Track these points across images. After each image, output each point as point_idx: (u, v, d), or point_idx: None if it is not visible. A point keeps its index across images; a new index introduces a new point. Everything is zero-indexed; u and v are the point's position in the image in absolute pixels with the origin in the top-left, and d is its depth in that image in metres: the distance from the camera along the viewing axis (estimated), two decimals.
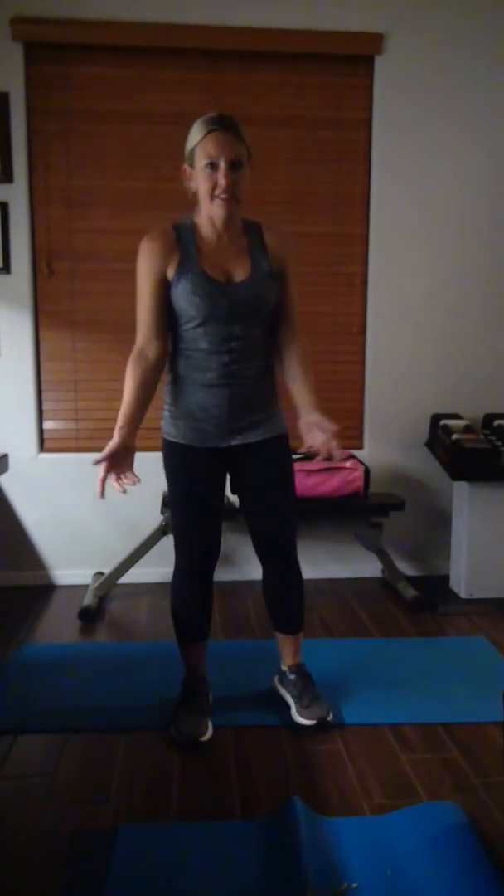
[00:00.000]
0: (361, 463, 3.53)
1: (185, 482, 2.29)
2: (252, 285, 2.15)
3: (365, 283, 3.74)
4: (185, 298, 2.13)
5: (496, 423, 3.57)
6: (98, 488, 2.17)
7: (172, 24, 3.44)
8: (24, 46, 3.43)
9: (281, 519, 2.34)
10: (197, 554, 2.33)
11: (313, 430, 2.16)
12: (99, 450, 3.68)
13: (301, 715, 2.37)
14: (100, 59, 3.50)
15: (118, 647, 3.02)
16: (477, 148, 3.66)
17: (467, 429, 3.49)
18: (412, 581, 3.59)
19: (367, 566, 3.81)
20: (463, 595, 3.47)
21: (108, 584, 3.47)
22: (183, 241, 2.15)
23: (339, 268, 3.73)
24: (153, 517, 3.54)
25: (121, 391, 3.71)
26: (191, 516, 2.31)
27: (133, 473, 2.19)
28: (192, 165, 2.12)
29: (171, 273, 2.14)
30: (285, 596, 2.42)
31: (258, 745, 2.29)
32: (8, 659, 2.87)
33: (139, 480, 2.17)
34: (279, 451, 2.30)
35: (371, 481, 3.56)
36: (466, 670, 2.79)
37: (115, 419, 3.64)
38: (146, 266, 2.16)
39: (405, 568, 3.79)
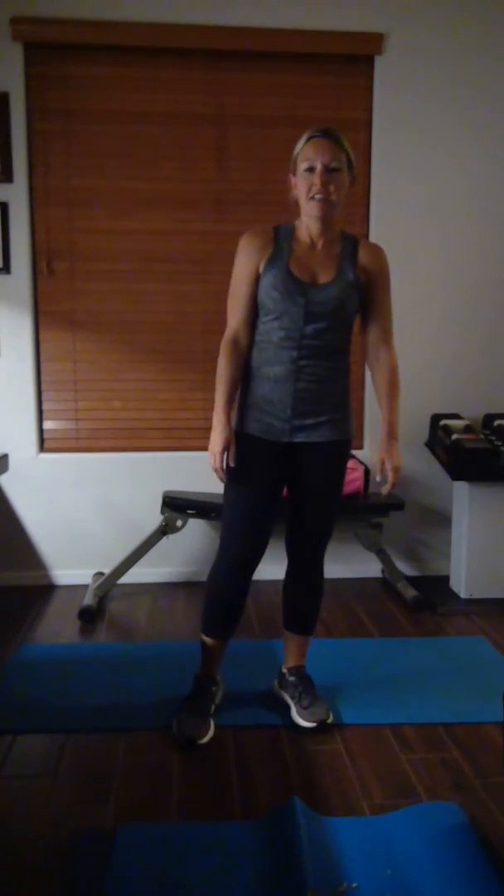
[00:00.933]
0: (361, 463, 3.53)
1: (246, 474, 2.28)
2: (332, 289, 2.22)
3: None
4: (266, 291, 2.21)
5: (496, 423, 3.57)
6: (222, 478, 2.28)
7: (172, 24, 3.44)
8: (24, 46, 3.43)
9: (323, 523, 2.37)
10: (243, 551, 2.33)
11: (380, 463, 2.32)
12: (99, 450, 3.74)
13: (301, 716, 2.38)
14: (100, 59, 3.49)
15: (118, 647, 3.02)
16: (477, 148, 3.66)
17: (467, 429, 3.49)
18: (412, 581, 3.59)
19: (367, 566, 3.81)
20: (463, 595, 3.47)
21: (108, 584, 3.47)
22: (279, 240, 2.24)
23: None
24: (153, 517, 3.54)
25: (121, 391, 3.74)
26: (246, 509, 2.31)
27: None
28: (294, 173, 2.22)
29: (262, 266, 2.22)
30: (306, 598, 2.46)
31: (258, 745, 2.29)
32: (8, 659, 2.87)
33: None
34: (339, 456, 2.35)
35: (371, 481, 3.56)
36: (466, 670, 2.79)
37: (115, 419, 3.70)
38: (243, 257, 2.25)
39: (405, 568, 3.79)
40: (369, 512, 3.52)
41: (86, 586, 3.56)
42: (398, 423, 2.35)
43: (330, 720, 2.37)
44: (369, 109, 3.63)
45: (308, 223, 2.22)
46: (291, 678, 2.48)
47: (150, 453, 3.70)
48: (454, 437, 3.42)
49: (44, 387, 3.68)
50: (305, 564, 2.41)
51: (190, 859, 1.79)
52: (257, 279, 2.23)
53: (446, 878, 1.71)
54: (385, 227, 3.67)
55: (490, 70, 3.62)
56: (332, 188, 2.15)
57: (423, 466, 3.79)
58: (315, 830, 1.86)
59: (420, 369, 3.77)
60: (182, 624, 3.23)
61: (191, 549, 3.64)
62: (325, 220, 2.20)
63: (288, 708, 2.44)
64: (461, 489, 3.49)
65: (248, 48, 3.51)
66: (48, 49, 3.45)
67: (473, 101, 3.63)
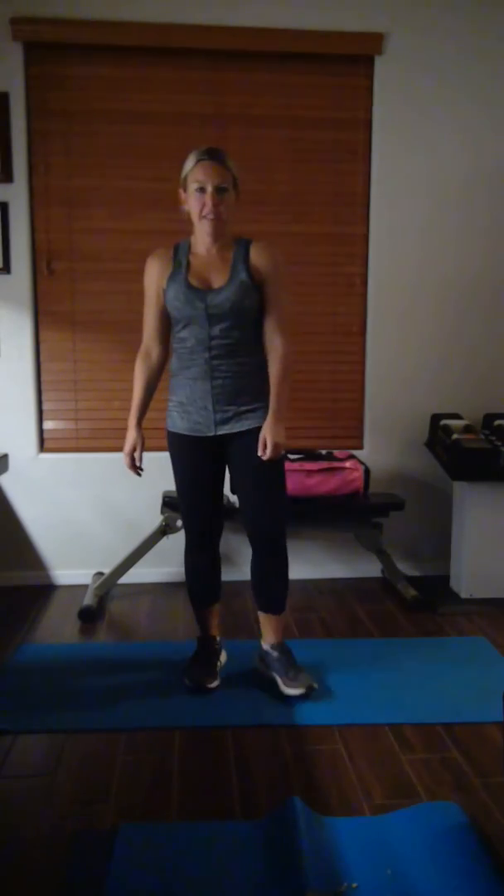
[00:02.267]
0: (361, 463, 3.53)
1: (183, 468, 2.59)
2: (225, 291, 2.42)
3: (365, 283, 3.74)
4: (170, 304, 2.46)
5: (496, 423, 3.57)
6: (137, 474, 2.62)
7: (172, 24, 3.44)
8: (24, 46, 3.43)
9: (269, 505, 2.55)
10: (199, 530, 2.64)
11: (262, 439, 2.45)
12: (99, 450, 3.74)
13: (289, 686, 2.55)
14: (99, 59, 3.50)
15: (118, 647, 3.02)
16: (477, 148, 3.66)
17: (467, 429, 3.49)
18: (412, 581, 3.59)
19: (367, 566, 3.81)
20: (463, 595, 3.47)
21: (108, 584, 3.47)
22: (178, 257, 2.49)
23: (339, 268, 3.73)
24: (153, 517, 3.54)
25: (121, 391, 3.74)
26: (190, 498, 2.60)
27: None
28: (185, 190, 2.44)
29: (165, 283, 2.48)
30: (270, 579, 2.62)
31: (258, 745, 2.29)
32: (8, 659, 2.87)
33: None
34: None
35: (371, 481, 3.56)
36: (466, 670, 2.79)
37: (114, 419, 3.71)
38: (148, 279, 2.52)
39: (405, 568, 3.79)
40: (369, 512, 3.52)
41: (86, 586, 3.56)
42: (285, 407, 2.48)
43: (316, 686, 2.54)
44: (369, 109, 3.63)
45: (201, 236, 2.46)
46: (274, 653, 2.64)
47: (150, 453, 3.68)
48: (454, 437, 3.42)
49: (44, 387, 3.68)
50: (264, 547, 2.59)
51: (190, 859, 1.79)
52: (163, 296, 2.48)
53: (446, 878, 1.71)
54: (385, 227, 3.68)
55: (489, 71, 3.62)
56: (221, 208, 2.39)
57: (423, 466, 3.79)
58: (315, 830, 1.86)
59: (420, 369, 3.78)
60: (182, 624, 3.23)
61: None
62: (216, 235, 2.43)
63: (274, 683, 2.60)
64: (461, 489, 3.49)
65: (248, 48, 3.51)
66: (48, 49, 3.46)
67: (473, 101, 3.63)
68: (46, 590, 3.64)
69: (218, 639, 2.76)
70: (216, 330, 2.42)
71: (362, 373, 3.81)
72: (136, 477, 2.64)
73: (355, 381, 3.82)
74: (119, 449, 3.67)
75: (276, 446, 2.42)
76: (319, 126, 3.63)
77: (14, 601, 3.48)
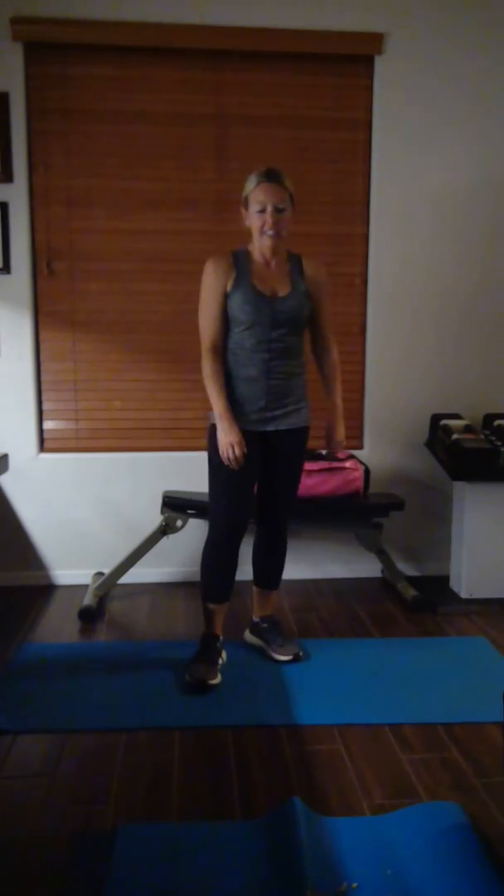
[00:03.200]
0: (361, 463, 3.53)
1: (227, 465, 2.66)
2: (290, 300, 2.64)
3: (365, 283, 3.74)
4: (238, 306, 2.61)
5: (496, 423, 3.57)
6: (236, 467, 2.64)
7: (172, 24, 3.44)
8: (24, 46, 3.43)
9: (291, 497, 2.85)
10: (231, 526, 2.74)
11: (328, 438, 2.86)
12: (99, 450, 3.74)
13: (277, 653, 2.84)
14: (100, 59, 3.49)
15: (118, 647, 3.02)
16: (477, 148, 3.66)
17: (467, 429, 3.49)
18: (412, 581, 3.59)
19: (367, 566, 3.81)
20: (463, 595, 3.47)
21: (108, 584, 3.47)
22: (239, 264, 2.65)
23: (339, 268, 3.73)
24: (153, 517, 3.54)
25: (121, 391, 3.75)
26: (230, 493, 2.70)
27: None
28: (246, 208, 2.64)
29: (229, 286, 2.62)
30: (273, 558, 2.93)
31: (258, 745, 2.30)
32: (8, 659, 2.87)
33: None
34: (302, 441, 2.80)
35: (371, 481, 3.56)
36: (466, 670, 2.79)
37: (114, 419, 3.72)
38: (211, 281, 2.64)
39: (405, 568, 3.79)
40: (369, 512, 3.52)
41: (86, 586, 3.56)
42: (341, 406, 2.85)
43: (301, 655, 2.84)
44: (369, 109, 3.63)
45: (262, 250, 2.64)
46: (265, 625, 2.94)
47: (150, 453, 3.71)
48: (454, 437, 3.42)
49: (44, 387, 3.68)
50: (274, 533, 2.89)
51: (190, 859, 1.79)
52: (225, 298, 2.62)
53: (446, 878, 1.71)
54: (385, 227, 3.68)
55: (489, 70, 3.62)
56: (281, 226, 2.59)
57: (423, 466, 3.79)
58: (315, 830, 1.86)
59: (420, 369, 3.78)
60: (182, 624, 3.23)
61: (191, 549, 3.64)
62: (275, 250, 2.63)
63: (262, 650, 2.89)
64: (461, 489, 3.49)
65: (248, 48, 3.51)
66: (48, 49, 3.45)
67: (473, 101, 3.63)
68: (46, 590, 3.64)
69: (221, 638, 2.79)
70: (275, 333, 2.62)
71: (362, 373, 3.81)
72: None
73: (355, 381, 3.82)
74: (119, 449, 3.71)
75: (342, 444, 2.84)
76: (319, 126, 3.63)
77: (14, 601, 3.48)
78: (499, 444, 3.40)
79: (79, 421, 3.71)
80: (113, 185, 3.58)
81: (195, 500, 3.38)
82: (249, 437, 2.65)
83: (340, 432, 2.83)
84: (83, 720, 2.43)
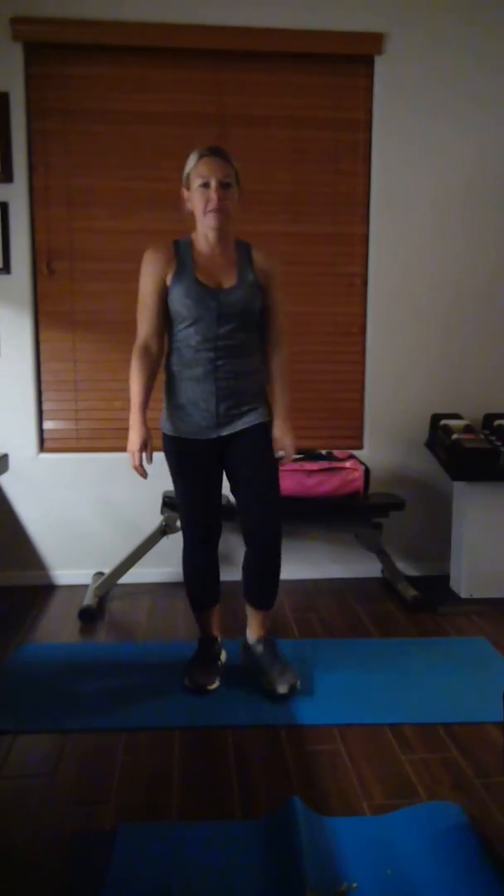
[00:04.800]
0: (361, 463, 3.53)
1: (183, 471, 2.55)
2: (237, 291, 2.44)
3: (365, 283, 3.74)
4: (179, 301, 2.42)
5: (496, 423, 3.57)
6: (143, 475, 2.51)
7: (172, 24, 3.44)
8: (24, 46, 3.43)
9: (268, 502, 2.56)
10: (199, 533, 2.61)
11: (277, 441, 2.56)
12: (99, 450, 3.74)
13: (272, 686, 2.54)
14: (100, 59, 3.50)
15: (118, 647, 3.02)
16: (477, 148, 3.66)
17: (467, 429, 3.49)
18: (412, 581, 3.59)
19: (367, 566, 3.81)
20: (463, 595, 3.47)
21: (108, 584, 3.47)
22: (180, 254, 2.46)
23: (339, 268, 3.73)
24: (153, 517, 3.54)
25: (121, 391, 3.74)
26: (190, 501, 2.57)
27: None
28: (188, 188, 2.45)
29: (169, 279, 2.44)
30: (265, 576, 2.62)
31: (258, 745, 2.29)
32: (8, 659, 2.87)
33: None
34: (263, 438, 2.54)
35: (371, 481, 3.56)
36: (466, 670, 2.79)
37: (114, 419, 3.71)
38: (149, 272, 2.46)
39: (405, 568, 3.79)
40: (369, 512, 3.52)
41: (86, 586, 3.56)
42: (290, 407, 2.60)
43: (298, 686, 2.56)
44: (369, 109, 3.63)
45: (206, 234, 2.45)
46: (259, 647, 2.67)
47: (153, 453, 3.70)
48: (454, 437, 3.42)
49: (44, 387, 3.68)
50: (261, 544, 2.58)
51: (190, 859, 1.79)
52: (165, 291, 2.44)
53: (446, 878, 1.71)
54: (385, 227, 3.68)
55: (489, 71, 3.62)
56: (227, 202, 2.40)
57: (423, 466, 3.79)
58: (315, 830, 1.86)
59: (420, 369, 3.78)
60: (182, 624, 3.23)
61: None
62: (222, 230, 2.43)
63: (258, 677, 2.61)
64: (461, 489, 3.49)
65: (248, 48, 3.51)
66: (48, 49, 3.46)
67: (473, 101, 3.63)
68: (46, 590, 3.64)
69: (218, 639, 2.77)
70: (223, 330, 2.42)
71: (362, 373, 3.81)
72: (138, 477, 2.56)
73: (355, 381, 3.82)
74: (120, 449, 3.70)
75: (292, 445, 2.55)
76: (319, 126, 3.63)
77: (14, 601, 3.48)
78: (499, 444, 3.40)
79: (79, 421, 3.71)
80: (113, 185, 3.58)
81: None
82: (200, 446, 2.49)
83: (285, 434, 2.54)
84: (83, 720, 2.43)
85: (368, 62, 3.59)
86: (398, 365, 3.77)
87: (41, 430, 3.70)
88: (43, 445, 3.71)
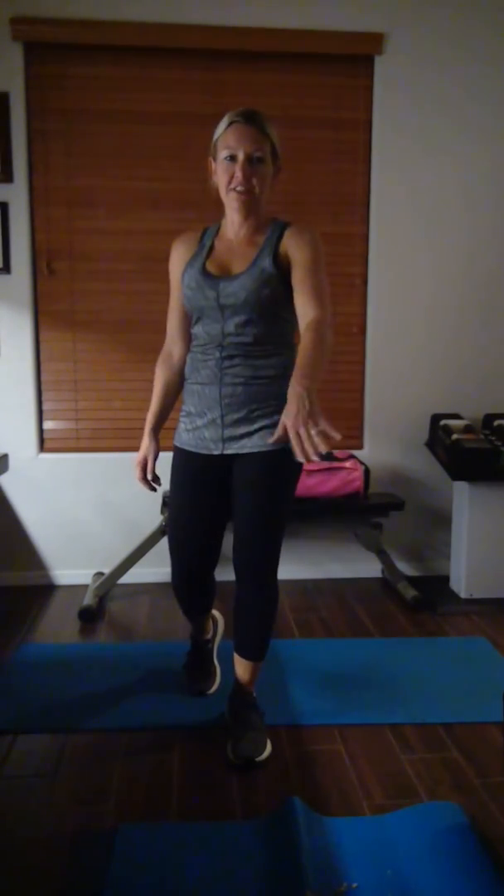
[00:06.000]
0: (361, 463, 3.53)
1: (180, 490, 2.21)
2: (242, 279, 2.04)
3: (365, 283, 3.74)
4: (183, 291, 2.14)
5: (496, 423, 3.57)
6: (149, 489, 2.31)
7: (172, 24, 3.44)
8: (24, 46, 3.43)
9: (264, 539, 2.12)
10: (185, 568, 2.27)
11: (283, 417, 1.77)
12: (99, 450, 3.74)
13: (229, 751, 2.17)
14: (100, 59, 3.49)
15: (118, 647, 3.02)
16: (477, 148, 3.66)
17: (467, 429, 3.49)
18: (412, 581, 3.59)
19: (367, 566, 3.81)
20: (463, 595, 3.47)
21: (108, 584, 3.47)
22: (203, 241, 2.16)
23: (339, 268, 3.73)
24: (153, 517, 3.54)
25: (121, 391, 3.75)
26: (179, 526, 2.24)
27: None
28: (214, 159, 2.09)
29: (184, 269, 2.15)
30: (251, 617, 2.20)
31: None
32: (8, 659, 2.87)
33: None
34: (277, 467, 2.08)
35: (371, 481, 3.56)
36: (466, 670, 2.79)
37: (115, 419, 3.71)
38: (171, 265, 2.20)
39: (405, 568, 3.79)
40: (369, 512, 3.52)
41: (86, 586, 3.56)
42: (318, 371, 1.80)
43: (260, 758, 2.13)
44: (369, 109, 3.63)
45: (229, 215, 2.10)
46: (234, 701, 2.29)
47: None
48: (454, 437, 3.42)
49: (44, 387, 3.68)
50: (251, 585, 2.17)
51: (190, 859, 1.79)
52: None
53: (446, 878, 1.71)
54: (385, 227, 3.68)
55: (490, 70, 3.62)
56: (254, 181, 2.02)
57: (423, 466, 3.79)
58: (315, 830, 1.86)
59: (420, 369, 3.78)
60: (182, 624, 3.22)
61: None
62: (248, 213, 2.06)
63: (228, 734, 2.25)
64: (461, 489, 3.49)
65: (248, 48, 3.51)
66: (48, 49, 3.46)
67: (473, 100, 3.63)
68: (46, 590, 3.64)
69: (210, 638, 2.65)
70: (230, 325, 2.04)
71: (362, 373, 3.81)
72: (139, 483, 2.32)
73: (355, 381, 3.82)
74: (120, 448, 3.71)
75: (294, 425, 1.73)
76: (319, 126, 3.63)
77: (14, 601, 3.48)
78: (499, 444, 3.40)
79: (79, 421, 3.71)
80: (113, 185, 3.58)
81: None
82: (202, 462, 2.14)
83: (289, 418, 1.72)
84: (83, 720, 2.43)
85: (368, 62, 3.59)
86: (398, 365, 3.77)
87: (41, 430, 3.70)
88: (43, 445, 3.71)
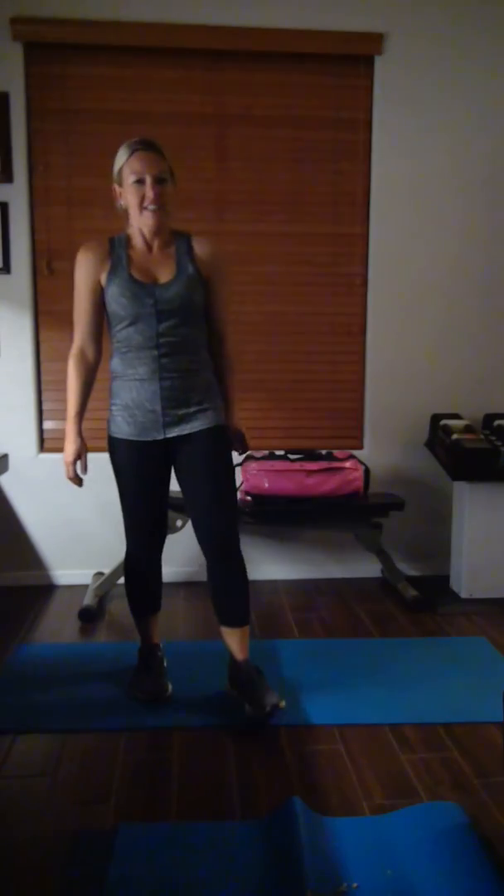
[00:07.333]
0: (361, 463, 3.53)
1: (129, 475, 2.47)
2: (176, 285, 2.33)
3: (365, 283, 3.74)
4: (114, 300, 2.34)
5: (496, 423, 3.57)
6: (78, 485, 2.57)
7: (172, 24, 3.44)
8: (24, 46, 3.43)
9: (217, 510, 2.41)
10: (142, 540, 2.54)
11: (237, 431, 2.55)
12: (99, 450, 3.71)
13: (256, 705, 2.36)
14: (100, 59, 3.49)
15: (118, 647, 3.02)
16: (476, 148, 3.66)
17: (467, 429, 3.49)
18: (412, 581, 3.59)
19: (367, 566, 3.81)
20: (463, 595, 3.47)
21: (108, 584, 3.47)
22: (115, 251, 2.39)
23: (339, 268, 3.73)
24: None
25: None
26: (136, 507, 2.50)
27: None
28: (120, 184, 2.38)
29: (103, 279, 2.37)
30: (228, 589, 2.46)
31: (258, 745, 2.29)
32: (8, 659, 2.87)
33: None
34: (214, 442, 2.41)
35: (371, 481, 3.56)
36: (466, 670, 2.79)
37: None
38: (83, 273, 2.40)
39: (405, 568, 3.79)
40: (369, 512, 3.52)
41: (86, 586, 3.56)
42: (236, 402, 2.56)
43: (282, 705, 2.42)
44: (369, 109, 3.63)
45: (142, 230, 2.37)
46: (240, 672, 2.47)
47: None
48: (454, 437, 3.42)
49: (44, 387, 3.68)
50: (219, 557, 2.44)
51: (190, 859, 1.79)
52: (100, 292, 2.37)
53: (446, 878, 1.71)
54: (385, 227, 3.68)
55: (489, 70, 3.62)
56: (164, 199, 2.31)
57: (423, 466, 3.79)
58: (315, 830, 1.86)
59: (420, 369, 3.78)
60: (182, 624, 3.23)
61: (191, 549, 3.63)
62: (159, 227, 2.34)
63: (241, 703, 2.42)
64: (461, 489, 3.49)
65: (248, 48, 3.51)
66: (48, 49, 3.46)
67: (472, 100, 3.63)
68: (46, 590, 3.64)
69: (160, 645, 2.67)
70: (164, 327, 2.32)
71: (362, 373, 3.81)
72: (70, 481, 2.57)
73: (355, 381, 3.82)
74: None
75: (243, 437, 2.55)
76: (319, 126, 3.63)
77: (14, 601, 3.48)
78: (499, 444, 3.40)
79: None
80: (113, 184, 3.57)
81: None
82: (146, 449, 2.40)
83: (240, 425, 2.55)
84: (83, 720, 2.43)
85: (368, 62, 3.59)
86: (398, 365, 3.77)
87: (41, 430, 3.70)
88: (43, 445, 3.71)
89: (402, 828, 1.89)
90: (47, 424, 3.70)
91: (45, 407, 3.69)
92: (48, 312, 3.63)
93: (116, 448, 2.48)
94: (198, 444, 2.38)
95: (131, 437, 2.43)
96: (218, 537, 2.43)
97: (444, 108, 3.62)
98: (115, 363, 2.44)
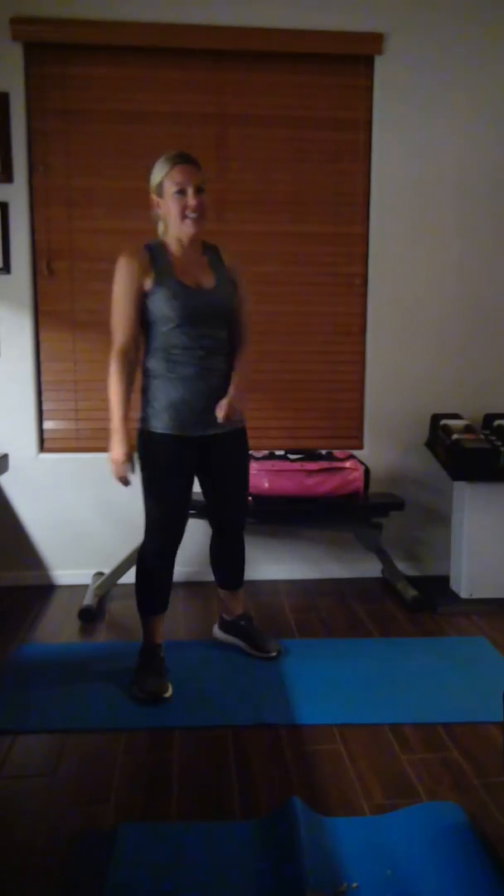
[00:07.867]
0: (361, 463, 3.53)
1: (168, 469, 2.56)
2: (220, 292, 2.53)
3: (365, 283, 3.74)
4: (165, 303, 2.46)
5: (496, 423, 3.57)
6: (125, 484, 2.54)
7: (172, 24, 3.44)
8: (24, 46, 3.43)
9: (241, 501, 2.78)
10: (174, 532, 2.64)
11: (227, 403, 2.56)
12: (99, 450, 3.74)
13: (262, 649, 2.84)
14: (100, 59, 3.49)
15: (118, 647, 3.02)
16: (476, 148, 3.66)
17: (467, 429, 3.49)
18: (412, 581, 3.59)
19: (367, 566, 3.81)
20: (463, 595, 3.47)
21: (108, 584, 3.47)
22: (157, 258, 2.52)
23: (339, 268, 3.73)
24: None
25: None
26: (171, 501, 2.59)
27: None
28: (160, 195, 2.52)
29: (148, 284, 2.49)
30: (233, 562, 2.88)
31: (258, 745, 2.30)
32: (8, 659, 2.87)
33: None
34: (241, 443, 2.70)
35: (371, 481, 3.56)
36: (466, 670, 2.79)
37: None
38: (126, 278, 2.51)
39: (405, 568, 3.79)
40: (369, 512, 3.52)
41: (86, 586, 3.56)
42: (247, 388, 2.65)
43: (282, 650, 2.88)
44: (369, 109, 3.63)
45: (180, 238, 2.52)
46: (242, 623, 2.91)
47: None
48: (454, 437, 3.42)
49: (44, 387, 3.68)
50: (230, 538, 2.82)
51: (190, 859, 1.79)
52: (142, 298, 2.50)
53: (446, 878, 1.71)
54: (385, 227, 3.68)
55: (489, 71, 3.62)
56: (204, 209, 2.49)
57: (423, 466, 3.79)
58: (315, 830, 1.86)
59: (420, 369, 3.78)
60: (182, 624, 3.23)
61: (191, 549, 3.63)
62: (197, 234, 2.52)
63: (239, 648, 2.89)
64: (461, 489, 3.49)
65: (248, 48, 3.51)
66: (48, 49, 3.46)
67: (472, 101, 3.63)
68: (46, 590, 3.64)
69: (162, 645, 2.71)
70: (206, 329, 2.50)
71: (362, 373, 3.81)
72: (137, 477, 2.56)
73: (355, 381, 3.82)
74: None
75: (234, 409, 2.54)
76: (319, 126, 3.63)
77: (14, 601, 3.48)
78: (499, 444, 3.40)
79: (79, 421, 3.71)
80: (113, 185, 3.58)
81: (195, 500, 3.38)
82: (185, 444, 2.53)
83: (242, 404, 2.58)
84: (83, 720, 2.43)
85: (368, 62, 3.59)
86: (398, 365, 3.77)
87: (41, 430, 3.70)
88: (43, 445, 3.71)
89: (402, 828, 1.89)
90: (47, 424, 3.71)
91: (45, 407, 3.69)
92: (48, 312, 3.63)
93: (157, 442, 2.55)
94: (229, 442, 2.62)
95: (175, 433, 2.53)
96: (235, 526, 2.80)
97: (445, 107, 3.62)
98: (154, 363, 2.55)
